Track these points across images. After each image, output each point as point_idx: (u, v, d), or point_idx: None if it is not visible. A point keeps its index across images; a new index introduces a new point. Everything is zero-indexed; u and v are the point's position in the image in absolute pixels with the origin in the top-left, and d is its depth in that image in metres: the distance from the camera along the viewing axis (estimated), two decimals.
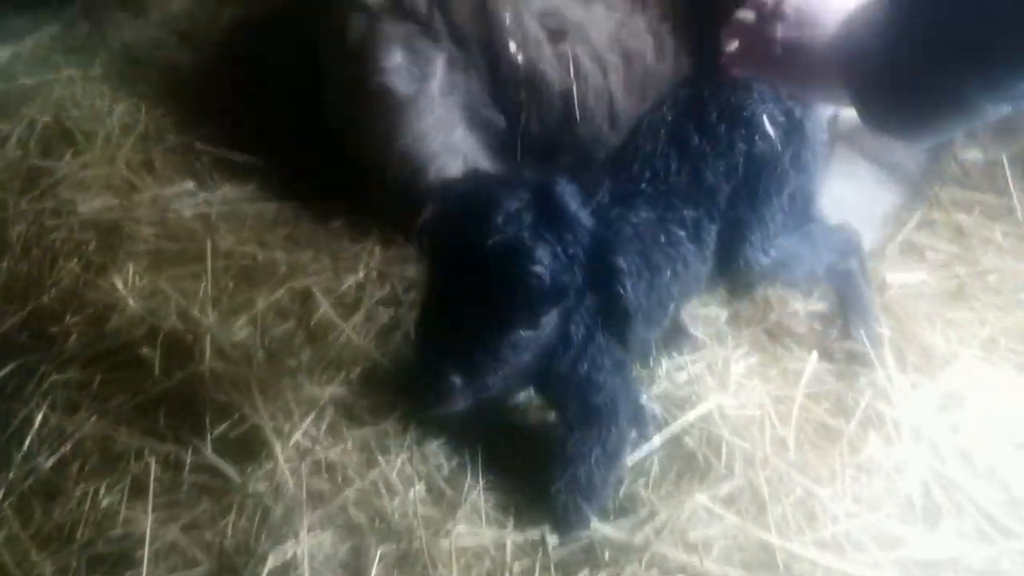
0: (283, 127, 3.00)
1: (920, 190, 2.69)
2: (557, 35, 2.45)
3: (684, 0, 2.48)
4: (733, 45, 1.51)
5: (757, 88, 1.71)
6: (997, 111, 1.17)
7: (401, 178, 2.48)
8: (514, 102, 2.46)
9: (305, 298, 2.32)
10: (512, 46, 2.43)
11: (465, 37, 2.47)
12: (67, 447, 1.77)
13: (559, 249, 1.43)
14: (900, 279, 2.48)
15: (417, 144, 2.46)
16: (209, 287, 2.12)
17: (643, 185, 1.69)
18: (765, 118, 1.71)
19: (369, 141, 2.55)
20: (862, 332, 2.12)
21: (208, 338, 1.94)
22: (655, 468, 1.91)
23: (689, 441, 1.93)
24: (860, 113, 1.32)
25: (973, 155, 3.04)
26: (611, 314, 1.57)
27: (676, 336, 2.18)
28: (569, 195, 1.49)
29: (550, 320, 1.50)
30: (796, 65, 1.38)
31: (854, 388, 2.07)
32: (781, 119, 1.72)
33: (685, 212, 1.71)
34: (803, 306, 2.37)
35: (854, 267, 2.09)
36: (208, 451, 1.76)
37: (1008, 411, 2.06)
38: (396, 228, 2.51)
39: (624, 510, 1.80)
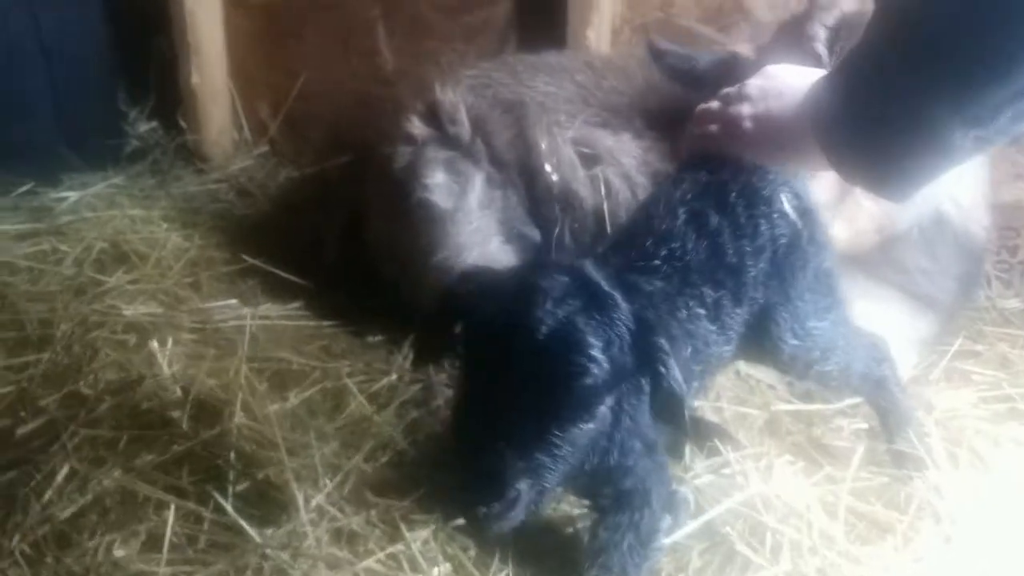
0: (329, 259, 3.13)
1: (954, 320, 2.70)
2: (590, 159, 2.62)
3: None
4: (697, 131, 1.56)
5: (769, 171, 1.75)
6: (969, 144, 1.18)
7: (440, 288, 2.56)
8: (549, 218, 2.58)
9: (338, 396, 2.34)
10: (548, 168, 2.59)
11: (504, 160, 2.64)
12: (87, 499, 1.74)
13: (611, 332, 1.38)
14: (948, 401, 2.43)
15: (456, 255, 2.58)
16: (244, 356, 2.13)
17: (656, 262, 1.67)
18: (784, 199, 1.76)
19: (411, 255, 2.67)
20: (910, 432, 2.06)
21: (239, 399, 1.94)
22: (695, 560, 1.82)
23: (731, 531, 1.85)
24: (835, 165, 1.36)
25: (1012, 304, 3.07)
26: (657, 395, 1.53)
27: (716, 433, 2.13)
28: (602, 275, 1.47)
29: (604, 412, 1.45)
30: (767, 134, 1.45)
31: (907, 486, 1.99)
32: (795, 200, 1.77)
33: (704, 289, 1.68)
34: (848, 423, 2.33)
35: (888, 374, 2.04)
36: (229, 508, 1.71)
37: None
38: (432, 336, 2.56)
39: None
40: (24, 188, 3.63)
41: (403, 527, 1.75)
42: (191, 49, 4.12)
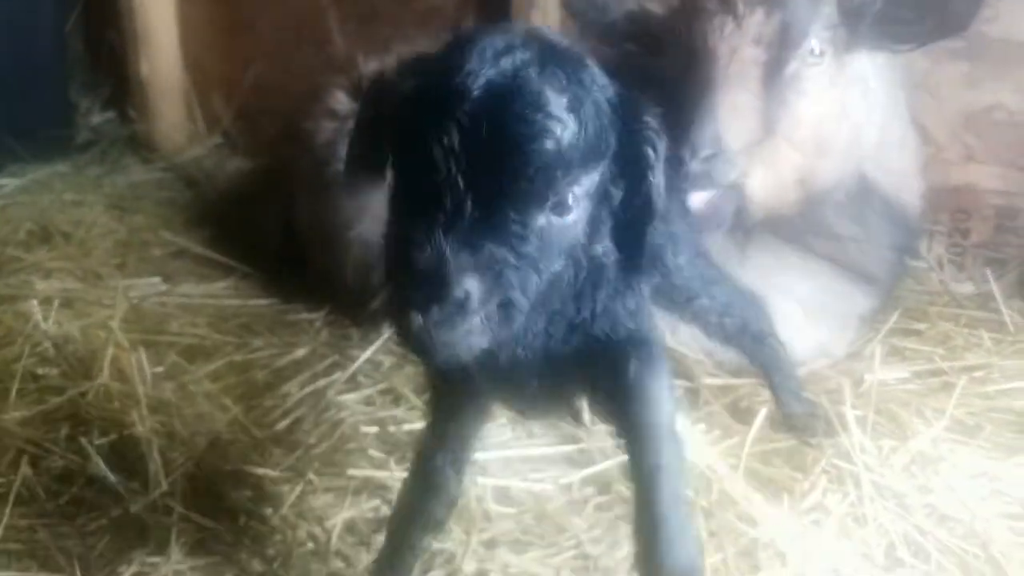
0: (270, 243, 3.10)
1: (892, 293, 2.64)
2: None
3: None
4: None
5: None
6: None
7: (358, 261, 2.54)
8: None
9: (244, 368, 2.29)
10: None
11: None
12: None
13: (580, 92, 1.06)
14: (881, 376, 2.36)
15: (373, 227, 2.53)
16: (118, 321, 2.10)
17: None
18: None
19: (332, 229, 2.63)
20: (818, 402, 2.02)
21: (107, 360, 1.90)
22: (590, 512, 1.77)
23: (624, 490, 1.79)
24: None
25: (965, 287, 3.01)
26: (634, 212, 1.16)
27: None
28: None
29: (580, 206, 1.09)
30: None
31: (816, 449, 1.93)
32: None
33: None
34: None
35: (766, 329, 1.98)
36: (92, 462, 1.67)
37: (996, 484, 1.90)
38: (348, 310, 2.55)
39: None
40: None
41: (268, 491, 1.69)
42: (140, 40, 4.12)
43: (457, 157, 1.00)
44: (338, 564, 1.59)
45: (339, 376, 2.23)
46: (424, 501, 1.41)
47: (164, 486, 1.59)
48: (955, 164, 3.14)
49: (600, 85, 1.10)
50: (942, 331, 2.65)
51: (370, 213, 2.57)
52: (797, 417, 1.99)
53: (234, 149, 4.18)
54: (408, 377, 2.24)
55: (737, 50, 2.06)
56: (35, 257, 2.81)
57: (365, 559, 1.56)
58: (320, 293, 2.71)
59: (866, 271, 2.52)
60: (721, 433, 2.08)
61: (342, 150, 2.59)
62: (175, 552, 1.51)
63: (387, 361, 2.34)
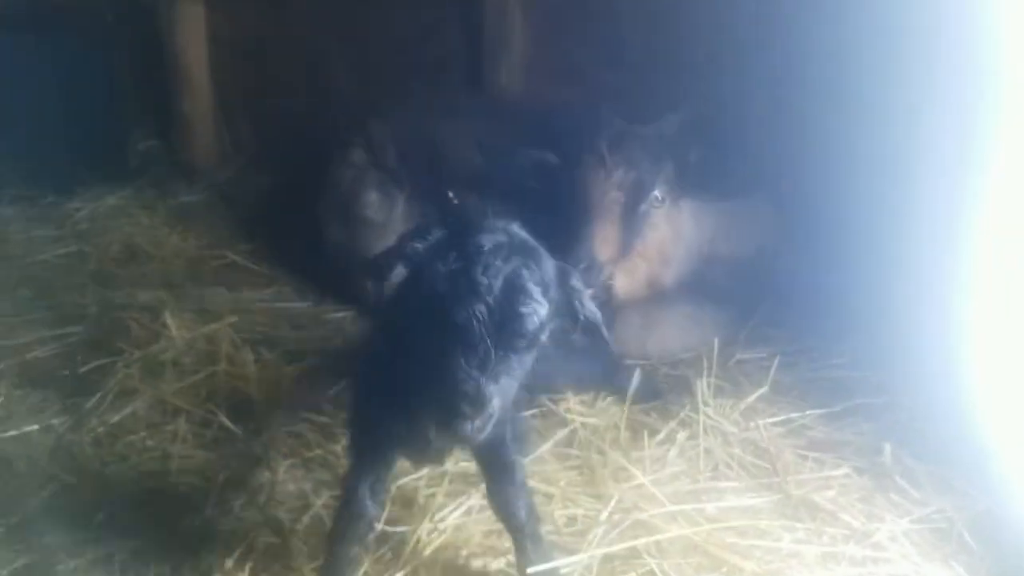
0: (295, 254, 4.13)
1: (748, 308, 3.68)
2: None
3: None
4: None
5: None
6: None
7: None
8: None
9: (300, 354, 3.35)
10: (450, 194, 3.60)
11: (419, 184, 3.66)
12: (127, 411, 2.79)
13: (544, 278, 1.72)
14: (747, 355, 3.43)
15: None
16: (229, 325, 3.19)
17: None
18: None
19: (354, 255, 3.68)
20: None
21: (223, 350, 2.98)
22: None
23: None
24: None
25: None
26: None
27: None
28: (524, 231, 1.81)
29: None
30: None
31: (679, 406, 3.01)
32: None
33: None
34: (666, 370, 3.35)
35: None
36: (222, 417, 2.75)
37: (794, 426, 2.97)
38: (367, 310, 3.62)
39: None
40: (47, 200, 4.64)
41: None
42: (183, 83, 5.13)
43: (486, 326, 1.65)
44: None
45: None
46: (352, 525, 2.10)
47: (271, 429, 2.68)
48: None
49: (550, 265, 1.77)
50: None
51: (382, 243, 3.61)
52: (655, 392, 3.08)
53: (258, 168, 5.21)
54: None
55: (605, 194, 3.04)
56: (130, 273, 3.85)
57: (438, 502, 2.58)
58: (345, 297, 3.75)
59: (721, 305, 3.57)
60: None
61: (361, 194, 3.67)
62: (279, 466, 2.59)
63: None
